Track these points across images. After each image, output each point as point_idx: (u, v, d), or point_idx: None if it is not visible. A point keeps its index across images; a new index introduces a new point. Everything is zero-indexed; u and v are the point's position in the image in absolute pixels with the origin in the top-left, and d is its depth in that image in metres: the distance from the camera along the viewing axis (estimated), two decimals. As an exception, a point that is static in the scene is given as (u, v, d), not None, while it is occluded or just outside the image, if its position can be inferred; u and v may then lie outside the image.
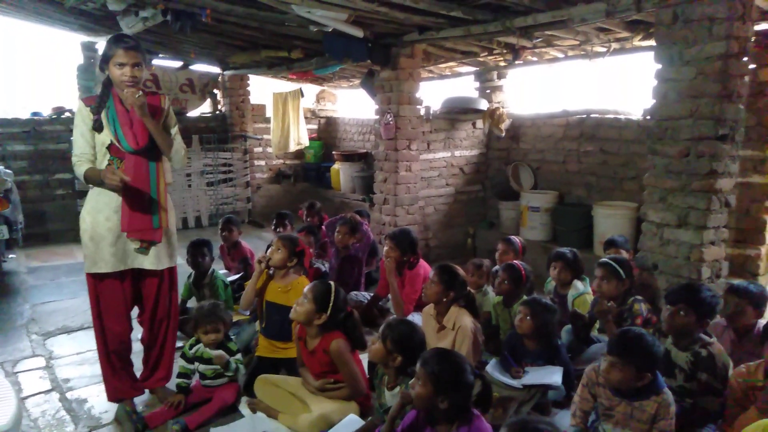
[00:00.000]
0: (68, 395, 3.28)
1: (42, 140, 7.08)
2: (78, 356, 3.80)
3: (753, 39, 3.33)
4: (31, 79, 12.05)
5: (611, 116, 5.53)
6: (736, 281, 3.15)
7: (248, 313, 4.03)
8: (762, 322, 3.01)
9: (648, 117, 4.25)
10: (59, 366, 3.66)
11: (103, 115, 2.77)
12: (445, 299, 3.18)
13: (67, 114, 7.34)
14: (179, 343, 3.32)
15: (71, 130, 2.89)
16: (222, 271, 4.67)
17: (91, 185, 2.86)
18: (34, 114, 7.34)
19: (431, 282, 3.22)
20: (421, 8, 4.22)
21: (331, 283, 3.02)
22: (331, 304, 2.90)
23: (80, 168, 2.80)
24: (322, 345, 2.93)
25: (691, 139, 3.34)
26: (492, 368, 3.08)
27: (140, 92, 2.70)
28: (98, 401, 3.17)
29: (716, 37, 3.16)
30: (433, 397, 2.13)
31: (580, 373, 2.66)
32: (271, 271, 3.42)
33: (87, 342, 3.94)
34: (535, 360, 3.10)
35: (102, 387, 3.08)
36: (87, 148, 2.79)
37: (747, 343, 2.98)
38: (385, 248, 4.01)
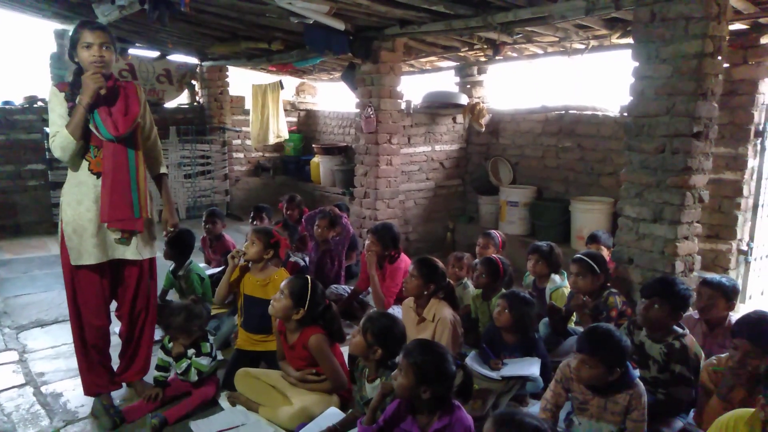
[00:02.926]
0: (43, 389, 3.22)
1: (14, 130, 6.90)
2: (53, 350, 3.73)
3: (727, 38, 3.40)
4: (2, 67, 11.74)
5: (589, 113, 5.61)
6: (709, 275, 3.23)
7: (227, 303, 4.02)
8: (732, 315, 3.09)
9: (625, 114, 4.31)
10: (33, 360, 3.59)
11: (78, 102, 2.69)
12: (425, 292, 3.20)
13: (40, 103, 7.16)
14: (157, 336, 3.28)
15: (44, 120, 2.84)
16: (201, 264, 4.62)
17: (70, 166, 2.77)
18: (6, 103, 7.14)
19: (411, 276, 3.24)
20: (403, 1, 4.22)
21: (308, 277, 3.00)
22: (308, 299, 2.89)
23: (59, 135, 2.66)
24: (302, 340, 2.93)
25: (666, 136, 3.41)
26: (471, 360, 3.10)
27: (101, 76, 2.65)
28: (74, 395, 3.13)
29: (692, 36, 3.22)
30: (415, 388, 2.15)
31: (558, 366, 2.71)
32: (249, 265, 3.40)
33: (62, 336, 3.88)
34: (513, 352, 3.15)
35: (78, 381, 3.03)
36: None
37: (718, 336, 3.07)
38: (367, 242, 4.02)
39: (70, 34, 2.75)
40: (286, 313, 2.91)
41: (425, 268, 3.21)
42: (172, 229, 3.17)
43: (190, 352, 3.06)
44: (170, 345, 3.11)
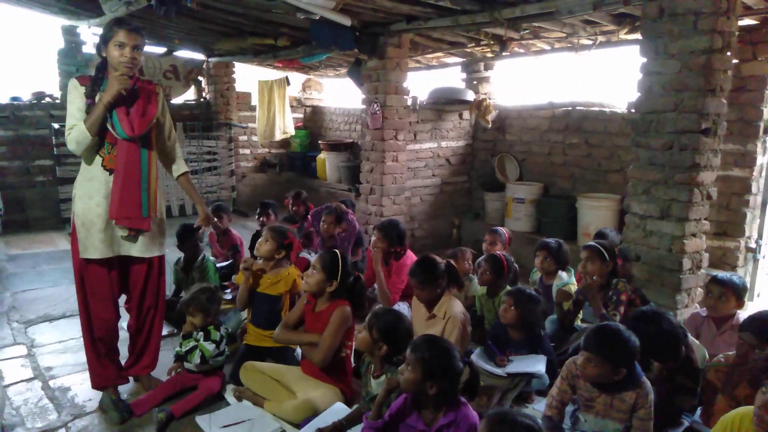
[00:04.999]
0: (51, 383, 3.25)
1: (22, 125, 6.92)
2: (60, 344, 3.76)
3: (737, 34, 3.37)
4: (10, 63, 11.80)
5: (596, 109, 5.58)
6: (720, 273, 3.22)
7: (231, 298, 4.06)
8: (740, 313, 3.08)
9: (633, 110, 4.29)
10: (41, 354, 3.62)
11: (97, 99, 2.71)
12: (438, 290, 3.20)
13: (47, 99, 7.19)
14: (165, 331, 3.30)
15: (52, 116, 2.85)
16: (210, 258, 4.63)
17: (84, 160, 2.79)
18: (14, 99, 7.16)
19: (418, 289, 3.22)
20: (410, -3, 4.21)
21: (337, 251, 3.07)
22: (340, 271, 2.96)
23: (75, 129, 2.67)
24: (330, 308, 2.99)
25: (674, 132, 3.39)
26: (476, 357, 3.10)
27: (128, 78, 2.68)
28: (82, 389, 3.15)
29: (701, 31, 3.20)
30: (422, 383, 2.16)
31: (563, 363, 2.70)
32: (261, 263, 3.41)
33: (69, 330, 3.91)
34: (519, 349, 3.14)
35: (85, 375, 3.05)
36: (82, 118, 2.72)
37: (725, 334, 3.05)
38: (373, 239, 4.01)
39: (104, 29, 2.74)
40: (320, 286, 2.98)
41: (424, 273, 3.17)
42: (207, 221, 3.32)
43: (199, 334, 3.09)
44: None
